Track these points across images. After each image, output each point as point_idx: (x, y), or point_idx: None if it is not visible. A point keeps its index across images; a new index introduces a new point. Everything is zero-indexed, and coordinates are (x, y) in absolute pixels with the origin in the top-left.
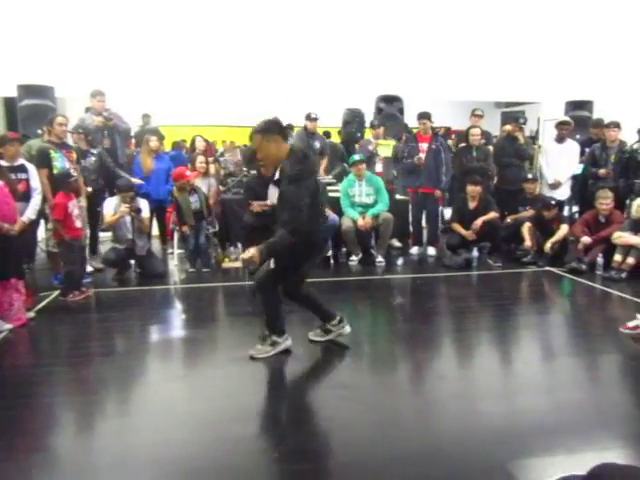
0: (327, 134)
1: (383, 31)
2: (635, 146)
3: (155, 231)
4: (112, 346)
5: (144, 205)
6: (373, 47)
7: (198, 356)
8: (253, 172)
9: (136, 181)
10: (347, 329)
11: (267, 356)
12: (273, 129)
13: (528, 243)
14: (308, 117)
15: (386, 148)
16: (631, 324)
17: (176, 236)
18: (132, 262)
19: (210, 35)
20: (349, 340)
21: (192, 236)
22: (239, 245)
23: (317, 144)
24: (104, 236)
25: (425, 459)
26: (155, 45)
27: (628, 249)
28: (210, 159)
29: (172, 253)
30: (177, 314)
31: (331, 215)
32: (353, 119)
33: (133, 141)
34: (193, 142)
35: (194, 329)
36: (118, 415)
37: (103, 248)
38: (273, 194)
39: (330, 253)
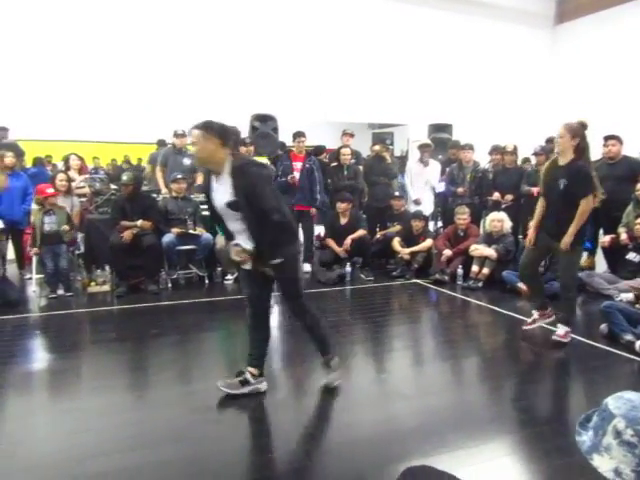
0: None
1: (259, 50)
2: (486, 166)
3: (11, 254)
4: None
5: None
6: (248, 66)
7: (57, 388)
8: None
9: None
10: (264, 385)
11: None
12: (213, 129)
13: (405, 252)
14: (175, 134)
15: None
16: (530, 320)
17: (34, 260)
18: None
19: (73, 47)
20: (224, 361)
21: (50, 259)
22: (106, 267)
23: (187, 161)
24: None
25: (301, 475)
26: (11, 53)
27: (483, 260)
28: (82, 177)
29: (31, 278)
30: (34, 345)
31: (204, 234)
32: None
33: None
34: (67, 160)
35: (53, 360)
36: None
37: None
38: (220, 198)
39: (205, 273)
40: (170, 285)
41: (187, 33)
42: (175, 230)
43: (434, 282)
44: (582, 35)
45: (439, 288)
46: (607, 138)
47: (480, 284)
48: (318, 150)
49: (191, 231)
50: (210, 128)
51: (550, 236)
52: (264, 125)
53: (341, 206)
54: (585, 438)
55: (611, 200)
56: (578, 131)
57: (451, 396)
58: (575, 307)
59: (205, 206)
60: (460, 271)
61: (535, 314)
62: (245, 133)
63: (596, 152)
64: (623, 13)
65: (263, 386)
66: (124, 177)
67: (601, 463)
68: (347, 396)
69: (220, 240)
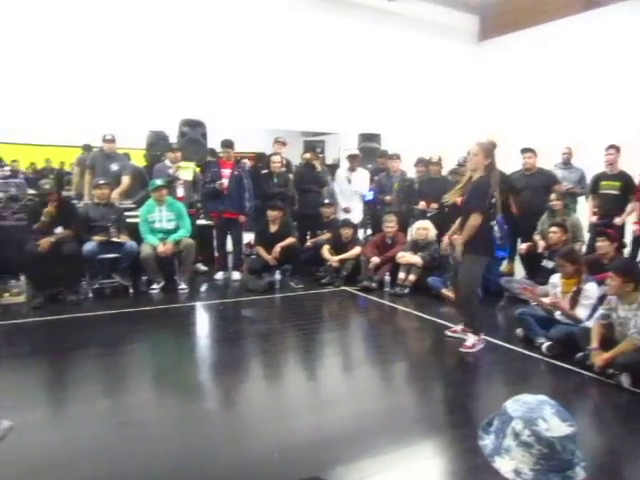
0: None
1: (189, 54)
2: (413, 176)
3: None
4: None
5: None
6: (178, 70)
7: None
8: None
9: None
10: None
11: None
12: None
13: (334, 260)
14: (104, 139)
15: (187, 171)
16: (459, 329)
17: None
18: None
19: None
20: (149, 373)
21: None
22: (21, 277)
23: (114, 166)
24: None
25: None
26: None
27: (410, 267)
28: None
29: None
30: None
31: (129, 242)
32: (157, 142)
33: None
34: None
35: None
36: None
37: None
38: None
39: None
40: (92, 295)
41: (113, 35)
42: (97, 238)
43: (362, 289)
44: (503, 52)
45: (367, 295)
46: (524, 151)
47: (407, 290)
48: (260, 159)
49: (114, 239)
50: None
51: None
52: (193, 131)
53: (272, 214)
54: (487, 442)
55: (529, 209)
56: (490, 151)
57: (378, 401)
58: (477, 315)
59: (130, 213)
60: (388, 278)
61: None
62: (174, 139)
63: (515, 164)
64: (539, 33)
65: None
66: (45, 185)
67: (502, 465)
68: (277, 405)
69: (146, 248)
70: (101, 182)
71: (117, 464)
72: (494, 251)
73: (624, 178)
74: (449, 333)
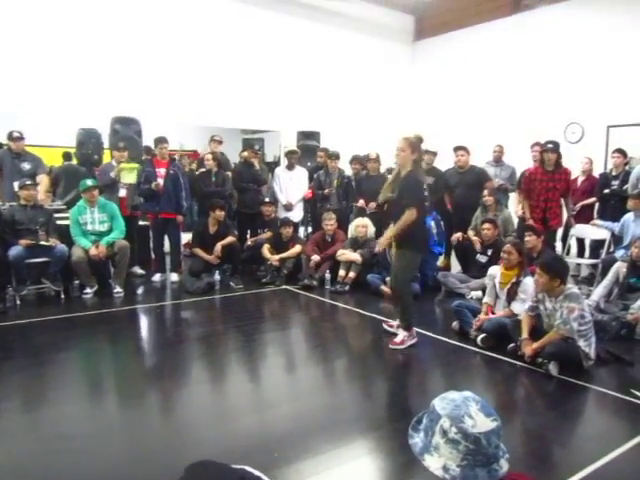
0: (68, 155)
1: (121, 49)
2: (350, 174)
3: None
4: None
5: None
6: (109, 65)
7: None
8: None
9: None
10: None
11: None
12: None
13: (275, 259)
14: (11, 136)
15: (130, 174)
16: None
17: None
18: None
19: None
20: (82, 382)
21: None
22: None
23: (27, 166)
24: None
25: None
26: None
27: (349, 264)
28: None
29: None
30: None
31: (59, 245)
32: (88, 140)
33: None
34: None
35: None
36: None
37: None
38: None
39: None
40: (19, 302)
41: (37, 25)
42: (24, 242)
43: (303, 287)
44: (437, 52)
45: (308, 293)
46: (457, 149)
47: (347, 288)
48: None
49: (43, 242)
50: None
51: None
52: (126, 128)
53: (218, 214)
54: (417, 440)
55: (462, 205)
56: (417, 146)
57: (319, 400)
58: (408, 311)
59: (60, 215)
60: (328, 276)
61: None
62: (105, 137)
63: (449, 161)
64: (471, 34)
65: None
66: None
67: (431, 462)
68: (216, 409)
69: (77, 251)
70: (28, 182)
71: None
72: (428, 247)
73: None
74: (386, 327)
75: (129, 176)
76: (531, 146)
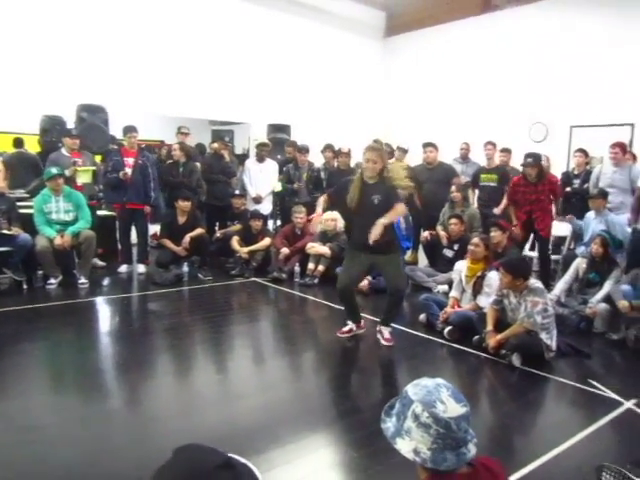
0: (19, 142)
1: (88, 34)
2: (319, 166)
3: None
4: None
5: None
6: (76, 51)
7: None
8: None
9: None
10: None
11: None
12: None
13: (244, 251)
14: None
15: (85, 174)
16: (346, 329)
17: None
18: None
19: None
20: (46, 374)
21: None
22: None
23: None
24: None
25: None
26: None
27: (319, 258)
28: None
29: None
30: None
31: (22, 234)
32: (53, 127)
33: None
34: None
35: None
36: None
37: None
38: None
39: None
40: None
41: (1, 7)
42: None
43: (272, 280)
44: (408, 48)
45: (277, 286)
46: (425, 145)
47: (316, 281)
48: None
49: (5, 231)
50: None
51: (368, 250)
52: (93, 117)
53: (183, 205)
54: (390, 424)
55: (431, 201)
56: (386, 156)
57: (287, 391)
58: (355, 306)
59: (23, 203)
60: (297, 269)
61: (352, 325)
62: (71, 125)
63: (418, 158)
64: (442, 32)
65: None
66: None
67: (403, 445)
68: (184, 401)
69: (41, 240)
70: None
71: (5, 471)
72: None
73: (500, 172)
74: (342, 335)
75: (84, 176)
76: (484, 144)
